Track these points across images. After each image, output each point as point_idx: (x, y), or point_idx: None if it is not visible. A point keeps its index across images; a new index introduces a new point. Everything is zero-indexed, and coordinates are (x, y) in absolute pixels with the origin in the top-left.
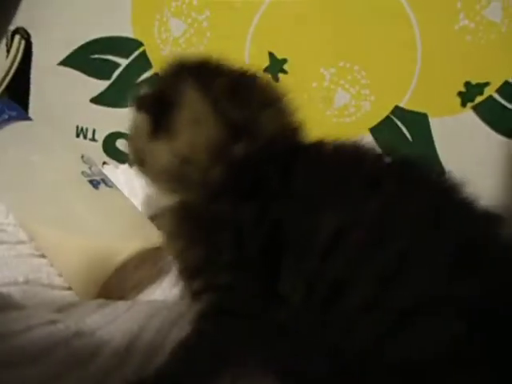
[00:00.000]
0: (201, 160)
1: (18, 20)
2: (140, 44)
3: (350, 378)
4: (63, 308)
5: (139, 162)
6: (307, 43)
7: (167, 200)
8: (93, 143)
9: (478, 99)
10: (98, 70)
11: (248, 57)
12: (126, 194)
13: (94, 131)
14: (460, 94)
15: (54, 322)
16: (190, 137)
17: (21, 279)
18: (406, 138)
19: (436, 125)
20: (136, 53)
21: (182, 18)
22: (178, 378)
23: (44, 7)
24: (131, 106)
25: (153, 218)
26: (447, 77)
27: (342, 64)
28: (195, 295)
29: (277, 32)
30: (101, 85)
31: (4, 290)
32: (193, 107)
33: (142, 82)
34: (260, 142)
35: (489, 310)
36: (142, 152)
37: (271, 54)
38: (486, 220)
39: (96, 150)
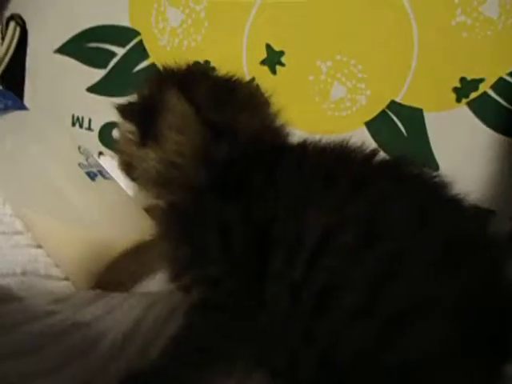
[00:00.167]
0: (186, 164)
1: (13, 6)
2: (137, 33)
3: (341, 380)
4: (60, 299)
5: (129, 168)
6: (304, 36)
7: (156, 202)
8: (89, 132)
9: (473, 95)
10: (95, 59)
11: (245, 48)
12: (122, 185)
13: (90, 120)
14: (455, 89)
15: (52, 313)
16: (175, 143)
17: (18, 270)
18: (400, 132)
19: (431, 120)
20: (133, 42)
21: (180, 7)
22: (169, 372)
23: None
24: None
25: (147, 210)
26: (443, 72)
27: (338, 57)
28: (185, 290)
29: (275, 24)
30: (97, 74)
31: (2, 281)
32: (176, 115)
33: (138, 71)
34: (241, 144)
35: (476, 308)
36: (131, 159)
37: (269, 46)
38: (475, 218)
39: (92, 140)
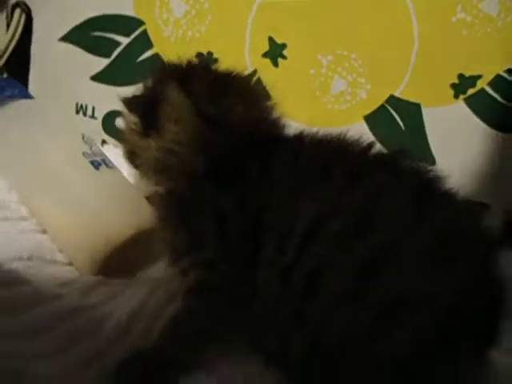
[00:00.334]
0: (184, 153)
1: None
2: (141, 23)
3: (331, 365)
4: (65, 283)
5: (132, 156)
6: (306, 30)
7: (157, 189)
8: (92, 120)
9: (470, 91)
10: (99, 48)
11: (248, 40)
12: (125, 173)
13: (93, 108)
14: (453, 85)
15: (59, 296)
16: (172, 133)
17: (25, 255)
18: (399, 126)
19: (429, 115)
20: (137, 32)
21: None
22: (168, 354)
23: None
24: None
25: (148, 198)
26: (442, 68)
27: (339, 52)
28: (182, 273)
29: (277, 17)
30: (101, 62)
31: (11, 265)
32: (176, 107)
33: (142, 61)
34: (236, 134)
35: (469, 300)
36: (134, 148)
37: (271, 39)
38: (468, 212)
39: (95, 128)
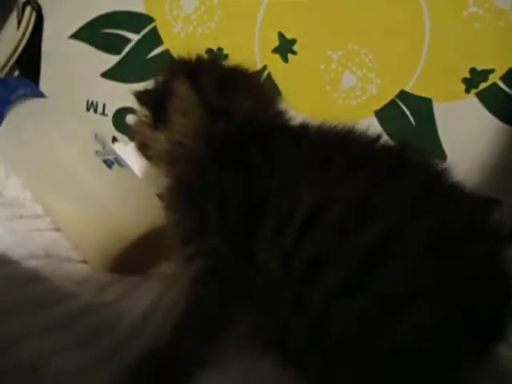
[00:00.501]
0: (190, 143)
1: None
2: (151, 20)
3: (330, 354)
4: (81, 281)
5: (143, 148)
6: (316, 25)
7: (166, 179)
8: (103, 117)
9: (482, 86)
10: (109, 45)
11: (258, 36)
12: (137, 171)
13: (104, 105)
14: (465, 80)
15: (76, 294)
16: (180, 125)
17: (41, 253)
18: (409, 121)
19: (440, 110)
20: (147, 28)
21: None
22: (182, 347)
23: None
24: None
25: (160, 196)
26: (453, 63)
27: (350, 47)
28: (187, 260)
29: (287, 12)
30: (111, 59)
31: (28, 263)
32: (184, 101)
33: (152, 57)
34: (240, 123)
35: (472, 293)
36: (145, 140)
37: (281, 34)
38: (476, 206)
39: (106, 124)
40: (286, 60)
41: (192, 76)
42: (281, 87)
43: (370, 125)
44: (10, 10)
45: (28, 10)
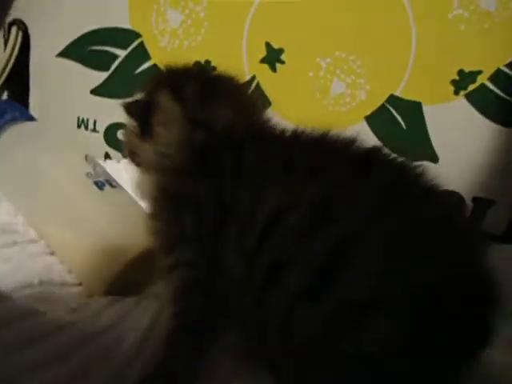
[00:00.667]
0: (173, 154)
1: (15, 12)
2: (138, 35)
3: (302, 362)
4: (77, 308)
5: (134, 157)
6: (304, 34)
7: (154, 188)
8: (94, 134)
9: (471, 87)
10: (97, 62)
11: (245, 47)
12: (128, 187)
13: (95, 122)
14: (453, 82)
15: (72, 323)
16: (163, 136)
17: (36, 281)
18: (400, 125)
19: (430, 113)
20: (134, 44)
21: (179, 8)
22: (172, 367)
23: None
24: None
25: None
26: (441, 65)
27: (337, 54)
28: (168, 271)
29: (274, 22)
30: (100, 76)
31: (21, 292)
32: (165, 114)
33: (140, 72)
34: (218, 134)
35: (445, 300)
36: (134, 148)
37: (268, 44)
38: (445, 205)
39: (97, 141)
40: (274, 69)
41: (175, 88)
42: (270, 96)
43: (361, 130)
44: None
45: (14, 30)
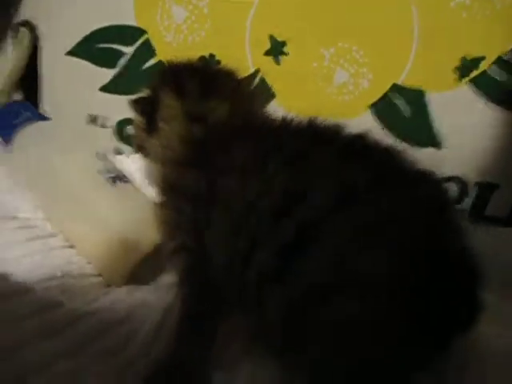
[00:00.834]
0: (176, 147)
1: (23, 13)
2: (143, 32)
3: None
4: (95, 299)
5: (142, 151)
6: (307, 25)
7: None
8: (105, 130)
9: (474, 74)
10: (104, 59)
11: (249, 40)
12: (139, 184)
13: (105, 118)
14: (456, 69)
15: (91, 314)
16: (167, 132)
17: (59, 273)
18: (404, 113)
19: (433, 100)
20: (140, 40)
21: (183, 4)
22: (182, 355)
23: None
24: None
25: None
26: (443, 53)
27: (340, 44)
28: (171, 255)
29: (276, 15)
30: (108, 73)
31: (45, 284)
32: (167, 109)
33: (147, 68)
34: (211, 126)
35: (419, 285)
36: (142, 142)
37: (271, 37)
38: (420, 184)
39: (108, 137)
40: (278, 62)
41: (177, 83)
42: (274, 88)
43: (366, 119)
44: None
45: (22, 31)
